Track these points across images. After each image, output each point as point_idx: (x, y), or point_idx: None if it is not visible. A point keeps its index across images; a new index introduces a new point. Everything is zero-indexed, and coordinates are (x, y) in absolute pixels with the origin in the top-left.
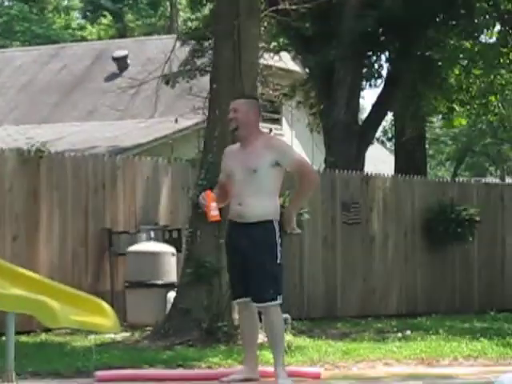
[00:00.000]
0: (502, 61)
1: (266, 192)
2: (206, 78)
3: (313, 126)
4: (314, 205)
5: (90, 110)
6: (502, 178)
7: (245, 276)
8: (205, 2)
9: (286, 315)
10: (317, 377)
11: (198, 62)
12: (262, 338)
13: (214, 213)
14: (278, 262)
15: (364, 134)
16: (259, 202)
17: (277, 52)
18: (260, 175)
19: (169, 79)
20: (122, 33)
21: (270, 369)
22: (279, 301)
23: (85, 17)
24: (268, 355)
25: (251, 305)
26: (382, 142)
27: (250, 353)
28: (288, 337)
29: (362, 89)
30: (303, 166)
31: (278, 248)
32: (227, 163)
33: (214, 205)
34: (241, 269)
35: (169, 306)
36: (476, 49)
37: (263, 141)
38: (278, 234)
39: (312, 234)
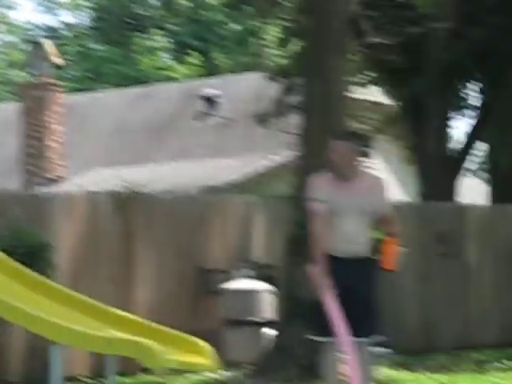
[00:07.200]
0: None
1: (368, 228)
2: (297, 115)
3: (405, 159)
4: (408, 237)
5: (180, 149)
6: None
7: (352, 313)
8: (293, 38)
9: (385, 349)
10: None
11: (289, 99)
12: None
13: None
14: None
15: (457, 165)
16: (366, 239)
17: (366, 85)
18: (368, 217)
19: (261, 119)
20: (210, 72)
21: None
22: (383, 335)
23: (172, 57)
24: None
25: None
26: (477, 174)
27: None
28: (387, 371)
29: (453, 119)
30: (393, 212)
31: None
32: (332, 198)
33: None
34: (347, 306)
35: (266, 343)
36: None
37: (366, 180)
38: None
39: (407, 266)
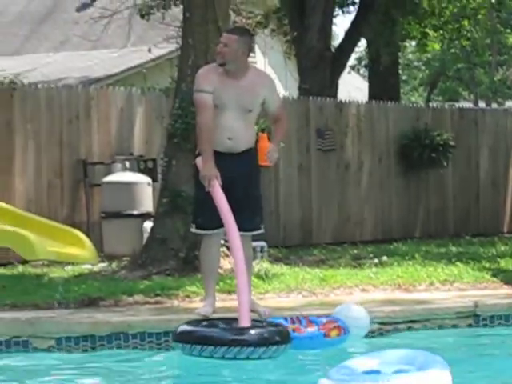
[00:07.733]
0: None
1: (253, 124)
2: (179, 7)
3: (287, 54)
4: (288, 132)
5: (61, 40)
6: (475, 103)
7: (235, 207)
8: None
9: (263, 243)
10: None
11: None
12: None
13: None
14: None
15: (337, 61)
16: (248, 135)
17: None
18: (253, 114)
19: (143, 12)
20: None
21: None
22: (263, 229)
23: None
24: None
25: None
26: (357, 70)
27: (214, 284)
28: (265, 264)
29: (335, 15)
30: (283, 110)
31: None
32: (219, 92)
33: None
34: (231, 200)
35: (145, 236)
36: None
37: (254, 77)
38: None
39: (287, 161)
